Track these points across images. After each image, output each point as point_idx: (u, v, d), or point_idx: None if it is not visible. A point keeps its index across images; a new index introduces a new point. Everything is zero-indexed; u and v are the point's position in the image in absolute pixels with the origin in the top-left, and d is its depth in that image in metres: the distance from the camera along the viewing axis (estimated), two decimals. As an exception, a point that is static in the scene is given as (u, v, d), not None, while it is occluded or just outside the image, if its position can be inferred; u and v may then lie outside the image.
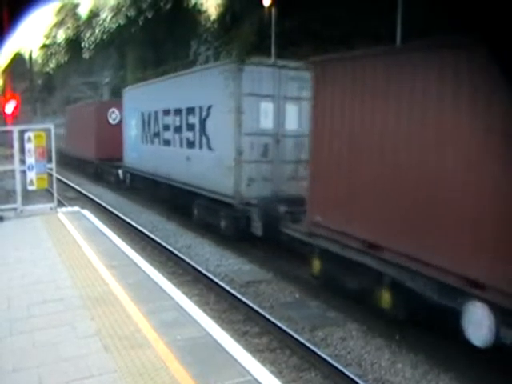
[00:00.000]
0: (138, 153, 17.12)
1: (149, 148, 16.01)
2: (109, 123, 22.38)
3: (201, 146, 12.07)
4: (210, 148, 11.67)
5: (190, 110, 12.52)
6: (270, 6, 25.69)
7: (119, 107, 21.18)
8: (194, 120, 12.30)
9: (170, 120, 13.99)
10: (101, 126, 22.31)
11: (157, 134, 15.15)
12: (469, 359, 5.87)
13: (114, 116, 22.52)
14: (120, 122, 21.05)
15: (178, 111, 13.38)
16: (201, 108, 11.89)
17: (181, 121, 13.19)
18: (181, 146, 13.30)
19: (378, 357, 6.26)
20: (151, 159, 15.68)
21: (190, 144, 12.66)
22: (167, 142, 14.33)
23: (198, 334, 4.76)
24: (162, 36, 36.27)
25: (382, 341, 6.65)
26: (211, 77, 11.49)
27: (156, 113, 15.14)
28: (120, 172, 19.72)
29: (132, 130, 17.79)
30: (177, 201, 14.50)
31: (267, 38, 24.17)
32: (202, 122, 11.88)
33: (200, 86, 12.06)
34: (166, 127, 14.32)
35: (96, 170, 23.77)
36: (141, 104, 16.67)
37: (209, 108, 11.53)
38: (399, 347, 6.46)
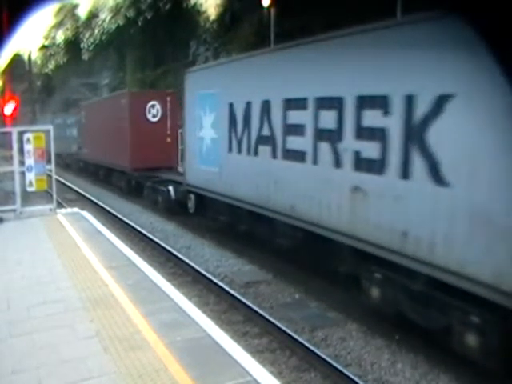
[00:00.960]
0: (219, 166, 11.51)
1: (245, 160, 10.42)
2: (148, 121, 17.34)
3: (405, 173, 6.44)
4: (436, 179, 6.00)
5: (372, 102, 6.93)
6: (270, 6, 25.75)
7: (160, 99, 17.44)
8: (386, 121, 6.68)
9: (303, 117, 8.45)
10: (137, 124, 17.19)
11: (266, 140, 9.59)
12: (469, 360, 5.86)
13: (154, 111, 17.46)
14: (162, 119, 17.38)
15: (329, 102, 7.81)
16: (410, 99, 6.30)
17: (340, 120, 7.61)
18: (336, 165, 7.69)
19: (377, 357, 6.25)
20: (250, 179, 10.16)
21: (368, 164, 7.06)
22: (296, 155, 8.68)
23: (198, 335, 4.77)
24: (162, 37, 36.29)
25: (382, 341, 6.64)
26: (449, 35, 5.50)
27: (266, 104, 9.53)
28: (171, 189, 14.71)
29: (205, 131, 12.16)
30: (313, 256, 8.75)
31: (267, 38, 24.24)
32: (416, 128, 6.24)
33: (407, 55, 6.29)
34: (294, 129, 8.74)
35: (129, 183, 18.61)
36: (228, 91, 11.07)
37: (440, 100, 5.85)
38: (399, 347, 6.46)
